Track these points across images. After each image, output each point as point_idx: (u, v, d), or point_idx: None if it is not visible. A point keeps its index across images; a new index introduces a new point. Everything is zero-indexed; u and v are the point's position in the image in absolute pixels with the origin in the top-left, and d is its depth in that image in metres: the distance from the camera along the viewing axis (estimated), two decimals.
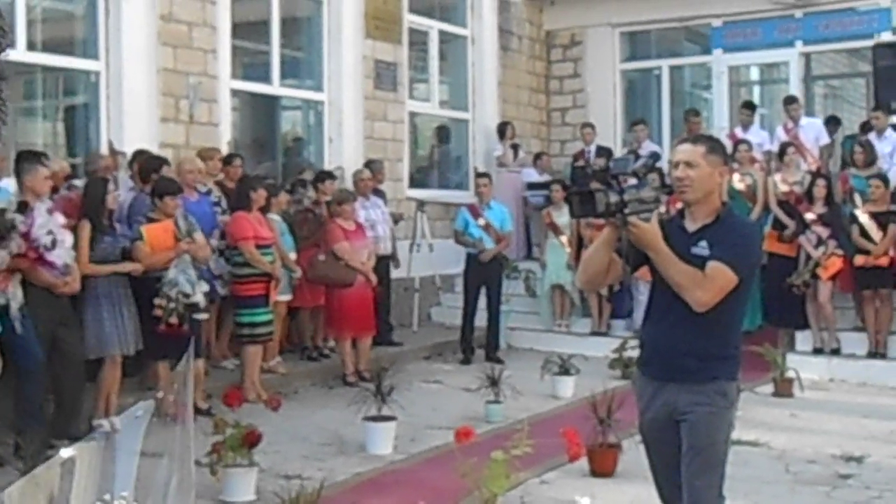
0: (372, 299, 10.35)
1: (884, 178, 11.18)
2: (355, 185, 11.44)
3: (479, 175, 12.56)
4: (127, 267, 8.01)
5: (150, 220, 8.32)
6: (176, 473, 4.51)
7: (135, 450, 4.28)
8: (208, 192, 9.80)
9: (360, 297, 10.13)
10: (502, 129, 14.62)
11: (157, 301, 8.02)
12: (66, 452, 3.89)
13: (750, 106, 13.87)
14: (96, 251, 7.82)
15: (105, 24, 10.05)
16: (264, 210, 9.59)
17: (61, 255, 7.34)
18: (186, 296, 8.13)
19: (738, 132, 13.22)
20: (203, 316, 8.78)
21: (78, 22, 10.48)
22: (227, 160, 10.45)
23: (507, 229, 12.09)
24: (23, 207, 7.24)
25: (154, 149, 9.82)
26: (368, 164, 12.03)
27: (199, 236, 8.56)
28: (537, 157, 15.04)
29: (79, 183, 8.70)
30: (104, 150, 9.86)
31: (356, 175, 11.60)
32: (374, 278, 10.30)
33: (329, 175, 11.29)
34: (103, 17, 10.04)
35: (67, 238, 7.42)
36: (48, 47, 9.96)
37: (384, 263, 11.30)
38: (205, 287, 8.38)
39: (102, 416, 7.83)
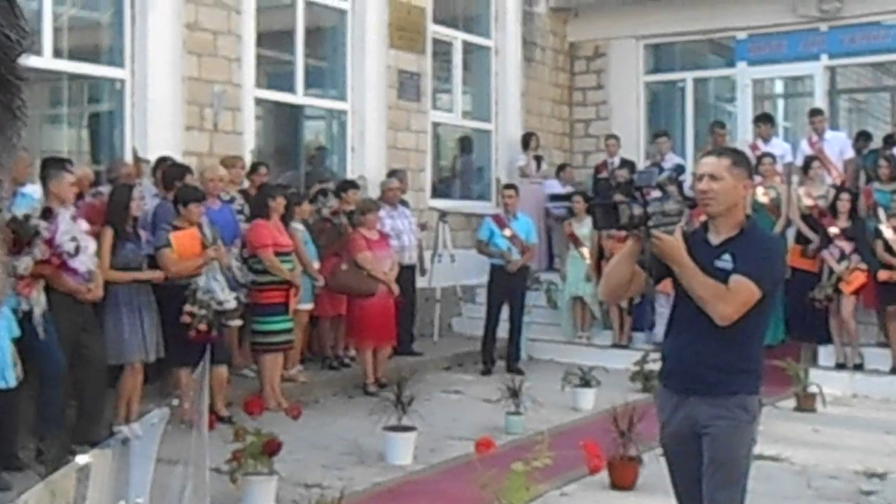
0: (394, 309, 10.35)
1: None
2: (383, 195, 11.45)
3: (505, 186, 12.52)
4: (148, 275, 8.04)
5: (175, 228, 8.36)
6: (191, 480, 4.51)
7: (150, 456, 4.29)
8: (231, 200, 9.84)
9: (381, 306, 10.11)
10: (526, 140, 14.62)
11: (188, 308, 8.05)
12: (81, 459, 3.90)
13: (767, 119, 13.74)
14: (118, 258, 7.85)
15: (131, 32, 10.10)
16: (286, 218, 9.61)
17: (84, 261, 7.38)
18: (220, 303, 8.17)
19: (760, 144, 13.16)
20: (236, 322, 8.81)
21: (104, 30, 10.55)
22: (253, 168, 10.51)
23: (533, 241, 12.08)
24: (47, 214, 7.28)
25: (178, 157, 9.85)
26: (392, 173, 12.04)
27: (220, 244, 8.62)
28: (560, 168, 15.03)
29: (104, 190, 8.75)
30: (128, 157, 9.92)
31: (384, 184, 11.62)
32: (395, 288, 10.29)
33: (352, 184, 11.31)
34: (129, 25, 10.09)
35: (91, 245, 7.46)
36: (74, 55, 10.02)
37: (409, 273, 11.30)
38: (234, 294, 8.45)
39: (123, 423, 7.85)
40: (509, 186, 12.48)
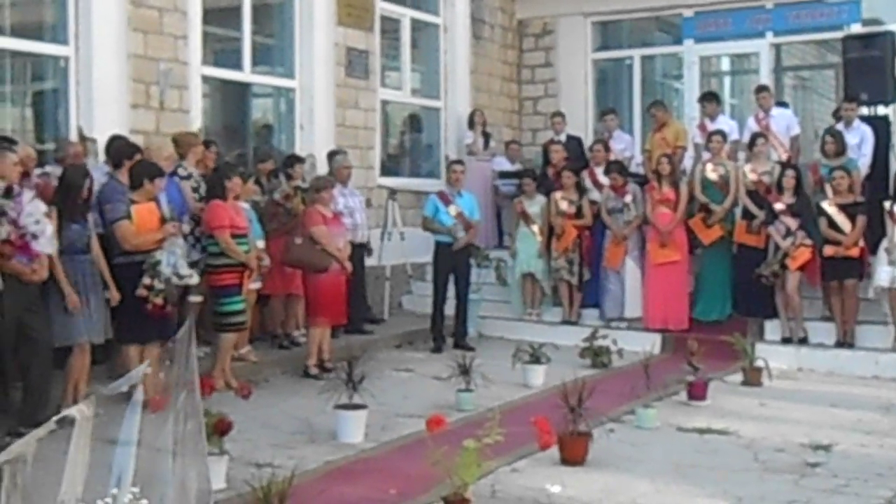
0: (345, 287, 10.29)
1: (847, 170, 11.20)
2: (333, 173, 11.34)
3: (454, 162, 12.47)
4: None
5: (132, 202, 8.27)
6: (183, 462, 4.39)
7: (131, 440, 4.20)
8: (188, 177, 9.77)
9: (334, 284, 10.04)
10: (471, 118, 14.61)
11: (146, 281, 7.96)
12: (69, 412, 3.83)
13: (713, 97, 13.58)
14: (63, 239, 7.74)
15: (75, 8, 9.94)
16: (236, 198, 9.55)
17: (44, 244, 7.26)
18: (181, 277, 8.10)
19: (707, 123, 13.17)
20: (197, 298, 8.73)
21: (47, 6, 10.37)
22: (203, 146, 10.39)
23: (476, 218, 12.09)
24: (8, 193, 7.17)
25: (124, 135, 9.73)
26: (334, 153, 11.89)
27: (178, 221, 8.65)
28: (507, 144, 15.04)
29: (51, 170, 8.63)
30: (74, 136, 9.79)
31: (338, 162, 11.52)
32: (349, 266, 10.22)
33: (298, 159, 11.23)
34: (73, 1, 9.93)
35: (48, 227, 7.33)
36: (17, 32, 9.84)
37: (359, 252, 11.25)
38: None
39: (70, 404, 7.77)
40: (458, 162, 12.46)
